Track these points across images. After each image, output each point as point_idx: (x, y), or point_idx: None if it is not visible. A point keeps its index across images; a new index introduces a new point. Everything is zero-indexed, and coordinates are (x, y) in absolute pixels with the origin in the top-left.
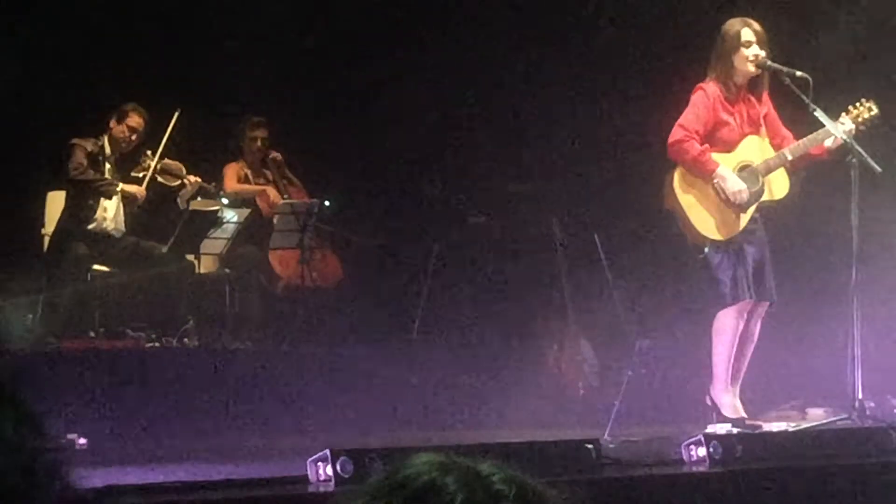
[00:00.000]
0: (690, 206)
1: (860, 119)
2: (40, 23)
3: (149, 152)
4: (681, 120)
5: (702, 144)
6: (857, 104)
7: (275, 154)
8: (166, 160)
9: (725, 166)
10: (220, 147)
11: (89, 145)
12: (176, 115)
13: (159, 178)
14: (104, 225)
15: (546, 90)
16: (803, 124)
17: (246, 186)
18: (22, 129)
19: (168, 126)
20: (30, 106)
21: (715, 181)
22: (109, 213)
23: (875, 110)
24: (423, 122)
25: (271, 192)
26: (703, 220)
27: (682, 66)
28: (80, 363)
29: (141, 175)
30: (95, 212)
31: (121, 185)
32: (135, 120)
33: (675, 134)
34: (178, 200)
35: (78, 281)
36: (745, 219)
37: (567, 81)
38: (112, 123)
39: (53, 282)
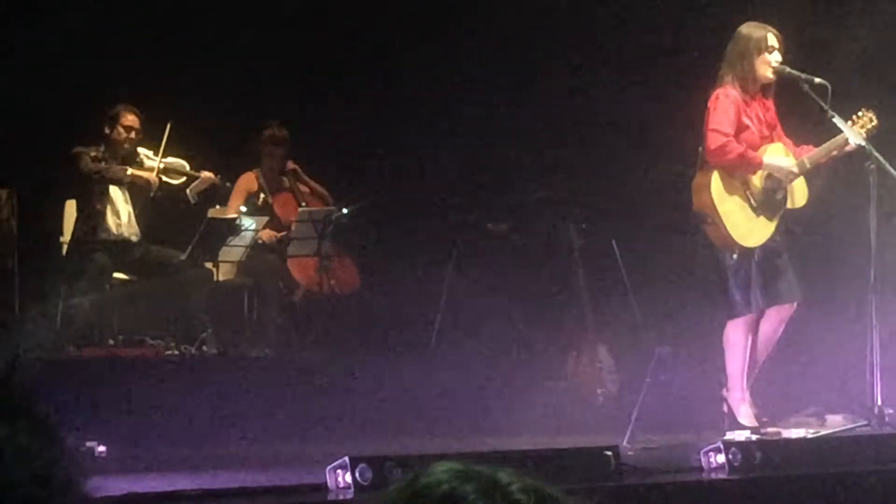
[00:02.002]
0: (726, 211)
1: (864, 129)
2: (51, 24)
3: (150, 153)
4: (714, 125)
5: None
6: (859, 115)
7: (293, 166)
8: (169, 158)
9: (769, 154)
10: (236, 149)
11: (92, 152)
12: (168, 127)
13: (164, 178)
14: (120, 230)
15: (565, 99)
16: (807, 128)
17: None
18: (39, 137)
19: (163, 137)
20: (45, 114)
21: (760, 177)
22: (123, 217)
23: (875, 121)
24: (442, 129)
25: (266, 234)
26: (737, 227)
27: (698, 73)
28: (100, 371)
29: (145, 177)
30: (105, 217)
31: (130, 171)
32: (128, 119)
33: (716, 139)
34: (189, 193)
35: (97, 289)
36: (772, 227)
37: (585, 89)
38: (107, 129)
39: (72, 290)
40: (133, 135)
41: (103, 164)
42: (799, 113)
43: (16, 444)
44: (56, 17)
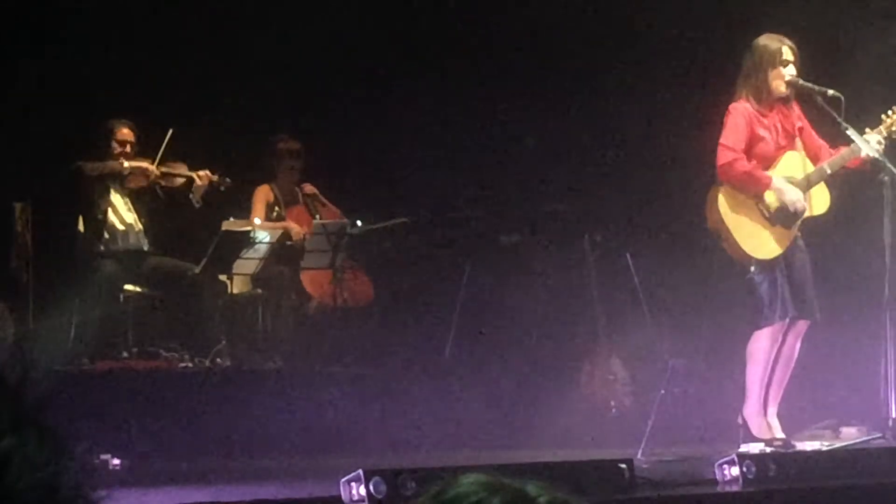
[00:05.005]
0: (736, 226)
1: (894, 128)
2: (65, 39)
3: (147, 162)
4: (723, 140)
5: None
6: (888, 113)
7: (308, 189)
8: (166, 162)
9: (778, 177)
10: (249, 162)
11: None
12: (169, 134)
13: (163, 183)
14: (126, 237)
15: (578, 110)
16: (831, 140)
17: (270, 225)
18: (54, 151)
19: (163, 143)
20: (60, 129)
21: (772, 194)
22: (128, 220)
23: None
24: (455, 141)
25: (294, 226)
26: (749, 240)
27: (715, 85)
28: (114, 383)
29: (144, 185)
30: (108, 224)
31: (127, 163)
32: (122, 132)
33: (724, 155)
34: (192, 198)
35: (110, 301)
36: (789, 237)
37: (599, 101)
38: (103, 144)
39: (86, 303)
40: (128, 148)
41: (100, 163)
42: (819, 119)
43: (24, 453)
44: (70, 32)
